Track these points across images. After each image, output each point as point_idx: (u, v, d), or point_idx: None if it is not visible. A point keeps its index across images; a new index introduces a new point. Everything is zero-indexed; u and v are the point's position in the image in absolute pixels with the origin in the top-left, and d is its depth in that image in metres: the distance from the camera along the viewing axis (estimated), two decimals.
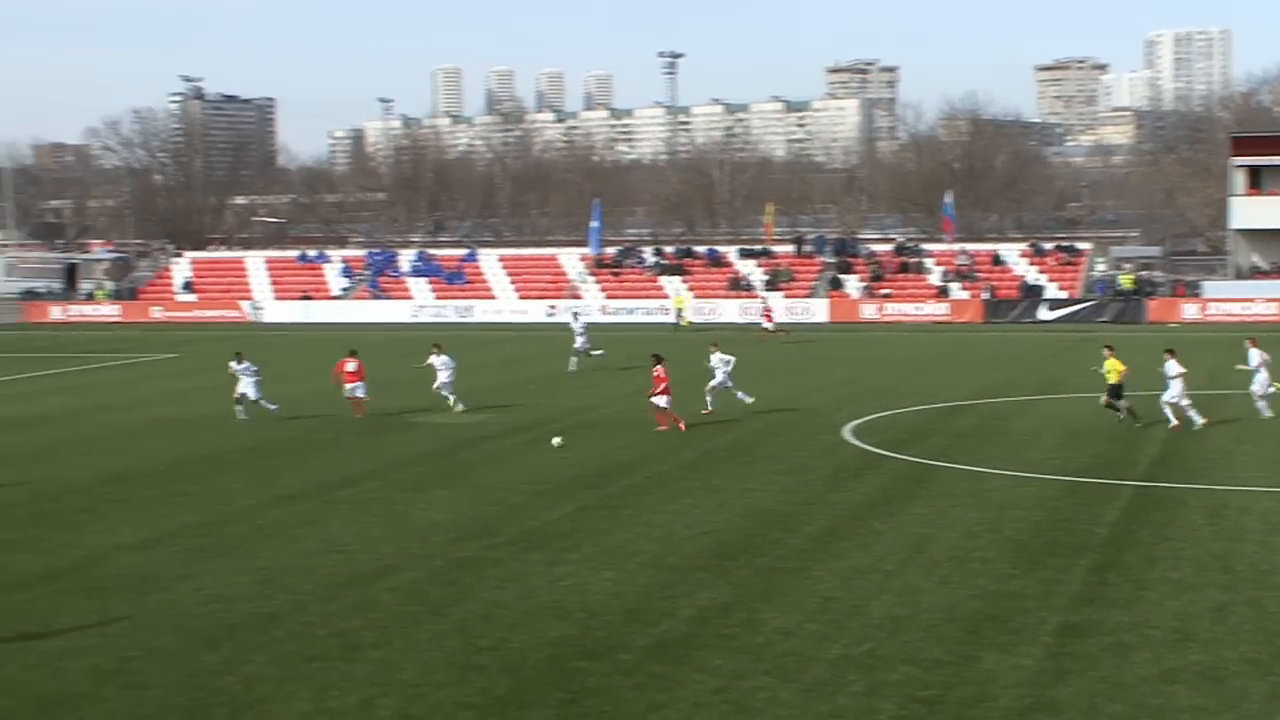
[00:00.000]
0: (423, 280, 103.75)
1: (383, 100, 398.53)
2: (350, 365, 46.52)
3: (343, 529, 29.19)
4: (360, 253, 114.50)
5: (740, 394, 45.71)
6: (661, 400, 42.44)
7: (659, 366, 42.86)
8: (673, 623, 22.02)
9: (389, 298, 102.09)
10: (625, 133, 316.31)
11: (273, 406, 45.97)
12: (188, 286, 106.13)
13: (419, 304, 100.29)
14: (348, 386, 46.40)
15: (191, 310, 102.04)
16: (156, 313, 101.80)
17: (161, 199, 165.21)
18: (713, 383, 45.37)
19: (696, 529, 28.61)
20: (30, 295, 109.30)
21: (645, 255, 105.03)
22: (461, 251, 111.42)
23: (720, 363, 45.71)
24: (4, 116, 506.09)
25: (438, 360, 47.73)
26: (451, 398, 47.34)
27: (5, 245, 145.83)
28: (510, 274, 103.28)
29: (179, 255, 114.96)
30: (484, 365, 62.77)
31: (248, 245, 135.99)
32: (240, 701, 18.84)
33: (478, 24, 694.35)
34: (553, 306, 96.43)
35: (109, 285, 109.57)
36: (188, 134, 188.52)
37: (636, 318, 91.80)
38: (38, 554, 27.41)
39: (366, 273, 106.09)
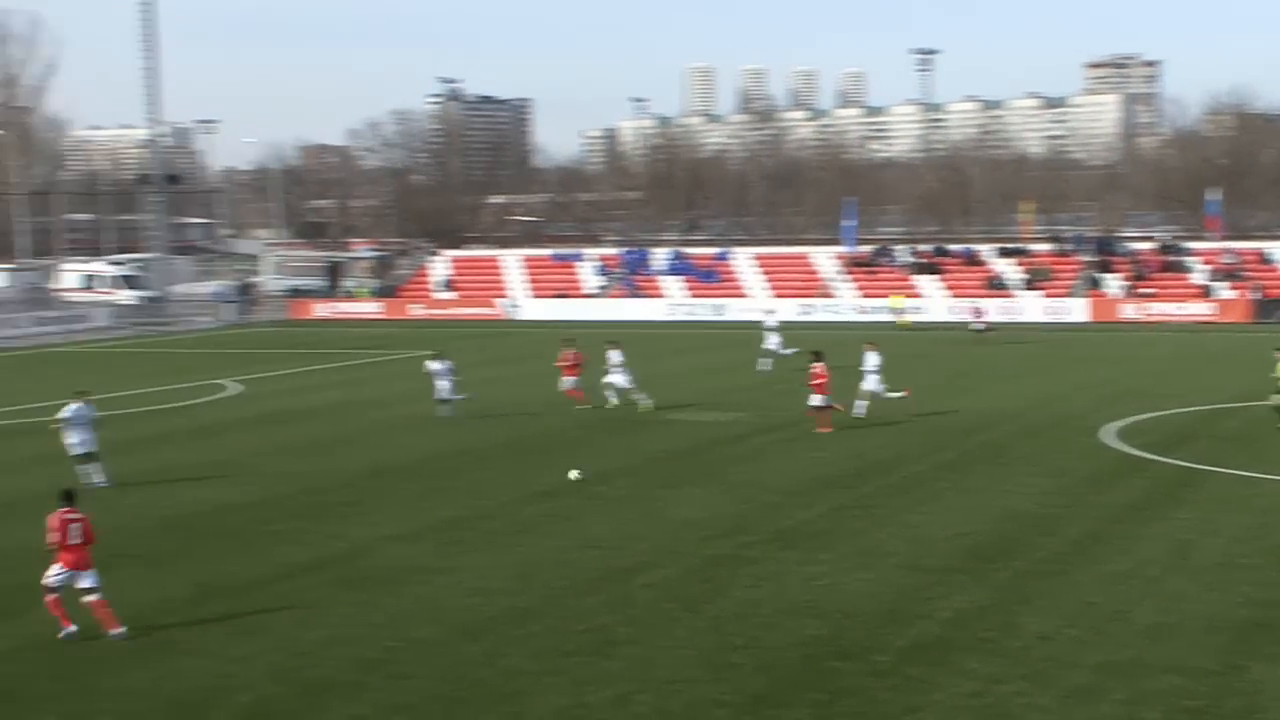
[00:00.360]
0: (676, 278, 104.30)
1: (636, 100, 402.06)
2: (567, 358, 48.02)
3: (598, 525, 29.50)
4: (615, 251, 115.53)
5: (890, 393, 44.66)
6: (817, 399, 42.18)
7: (817, 364, 42.58)
8: (928, 625, 21.82)
9: (643, 296, 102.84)
10: (879, 130, 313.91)
11: (462, 396, 46.54)
12: (446, 284, 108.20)
13: (673, 302, 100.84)
14: (565, 380, 47.85)
15: (449, 308, 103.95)
16: (415, 310, 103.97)
17: (421, 198, 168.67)
18: (866, 386, 44.47)
19: (952, 530, 28.31)
20: (296, 292, 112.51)
21: (899, 254, 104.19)
22: (715, 250, 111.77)
23: (873, 364, 44.59)
24: (272, 119, 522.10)
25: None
26: (614, 395, 47.84)
27: (273, 244, 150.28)
28: (763, 272, 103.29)
29: (437, 254, 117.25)
30: (736, 364, 62.88)
31: (504, 244, 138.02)
32: (499, 693, 19.17)
33: (730, 22, 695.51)
34: (807, 305, 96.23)
35: (370, 283, 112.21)
36: (446, 134, 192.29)
37: (890, 316, 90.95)
38: (304, 545, 28.23)
39: (621, 271, 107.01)
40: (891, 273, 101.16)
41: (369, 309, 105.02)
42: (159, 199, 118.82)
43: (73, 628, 22.00)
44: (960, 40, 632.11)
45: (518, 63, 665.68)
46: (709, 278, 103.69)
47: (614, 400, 47.80)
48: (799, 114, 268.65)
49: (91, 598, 22.20)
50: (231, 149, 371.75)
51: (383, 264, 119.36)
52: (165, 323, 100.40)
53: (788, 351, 60.91)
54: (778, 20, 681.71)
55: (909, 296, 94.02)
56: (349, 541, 28.43)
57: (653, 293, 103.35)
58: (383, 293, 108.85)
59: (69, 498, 22.91)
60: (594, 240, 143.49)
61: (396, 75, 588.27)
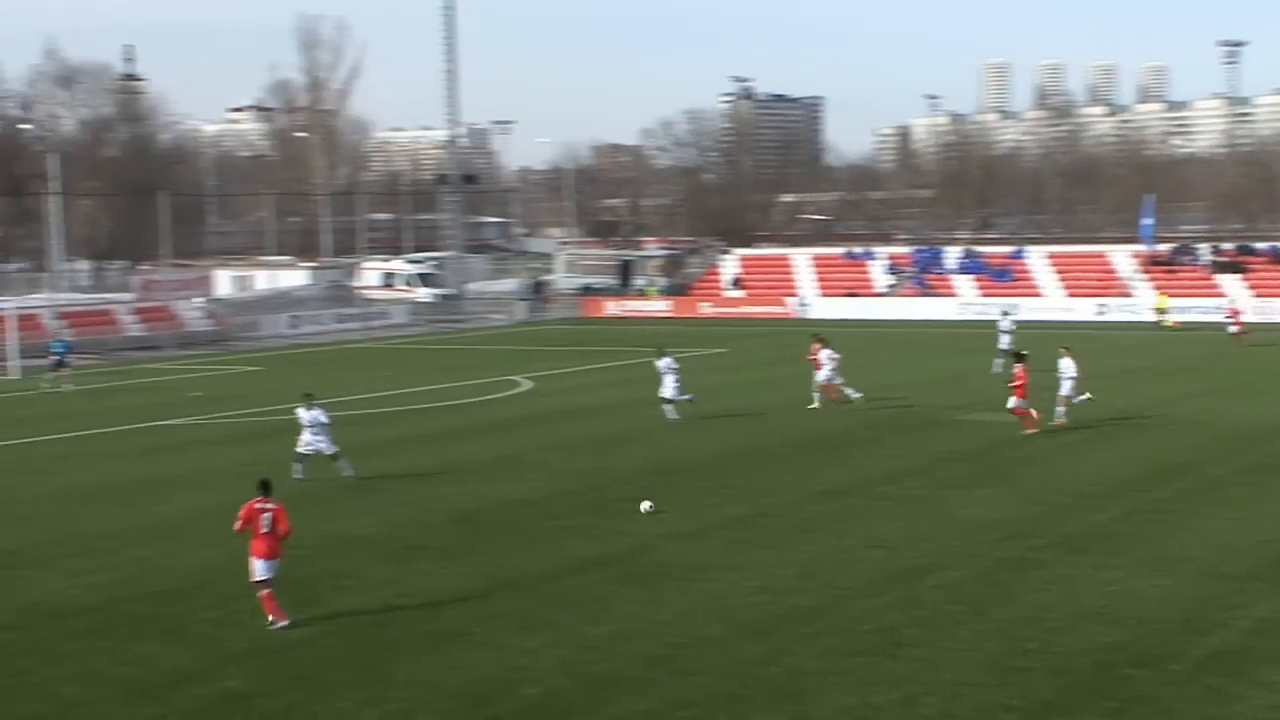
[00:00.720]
0: (968, 277, 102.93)
1: (930, 97, 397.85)
2: (820, 353, 48.13)
3: (885, 525, 29.26)
4: (906, 250, 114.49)
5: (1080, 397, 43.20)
6: (1013, 400, 41.42)
7: (1019, 365, 41.84)
8: (1228, 634, 21.15)
9: (934, 294, 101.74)
10: (1180, 125, 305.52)
11: (686, 397, 46.19)
12: (736, 283, 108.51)
13: (964, 301, 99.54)
14: (819, 375, 47.94)
15: (739, 306, 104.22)
16: (705, 308, 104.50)
17: (712, 197, 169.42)
18: (1061, 391, 43.02)
19: (1255, 537, 27.38)
20: (588, 290, 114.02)
21: (1201, 252, 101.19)
22: (1008, 248, 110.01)
23: (1068, 367, 43.23)
24: (566, 119, 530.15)
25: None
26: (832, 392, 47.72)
27: (565, 243, 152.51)
28: (1058, 271, 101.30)
29: (728, 252, 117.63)
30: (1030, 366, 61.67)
31: (794, 242, 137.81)
32: (783, 692, 19.13)
33: (1027, 18, 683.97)
34: (1103, 305, 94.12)
35: (661, 281, 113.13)
36: (737, 133, 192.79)
37: (1191, 316, 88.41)
38: (591, 540, 28.56)
39: (912, 269, 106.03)
40: (1193, 272, 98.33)
41: (659, 307, 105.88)
42: (456, 199, 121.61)
43: (285, 620, 22.63)
44: (1269, 32, 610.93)
45: (810, 61, 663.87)
46: (1002, 276, 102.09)
47: (818, 401, 47.40)
48: (1097, 109, 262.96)
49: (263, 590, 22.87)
50: (526, 149, 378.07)
51: (673, 262, 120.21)
52: (460, 320, 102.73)
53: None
54: (1077, 15, 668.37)
55: (1170, 296, 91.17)
56: (634, 538, 28.68)
57: (944, 291, 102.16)
58: (672, 291, 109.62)
59: (265, 488, 23.50)
60: (885, 239, 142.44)
61: (689, 75, 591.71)
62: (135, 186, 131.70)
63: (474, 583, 25.24)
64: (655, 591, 24.34)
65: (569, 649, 21.20)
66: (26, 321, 77.82)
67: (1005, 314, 64.12)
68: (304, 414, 35.98)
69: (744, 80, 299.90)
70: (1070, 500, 31.40)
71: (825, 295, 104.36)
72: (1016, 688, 19.02)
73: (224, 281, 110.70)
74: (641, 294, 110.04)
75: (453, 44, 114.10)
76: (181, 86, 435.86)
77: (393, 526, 30.28)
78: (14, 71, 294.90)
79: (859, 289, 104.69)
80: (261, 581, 22.86)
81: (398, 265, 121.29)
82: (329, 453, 35.66)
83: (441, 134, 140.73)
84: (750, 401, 49.68)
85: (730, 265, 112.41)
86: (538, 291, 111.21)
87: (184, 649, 21.71)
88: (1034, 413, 41.59)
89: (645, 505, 30.03)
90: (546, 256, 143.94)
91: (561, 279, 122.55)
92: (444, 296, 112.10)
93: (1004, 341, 59.84)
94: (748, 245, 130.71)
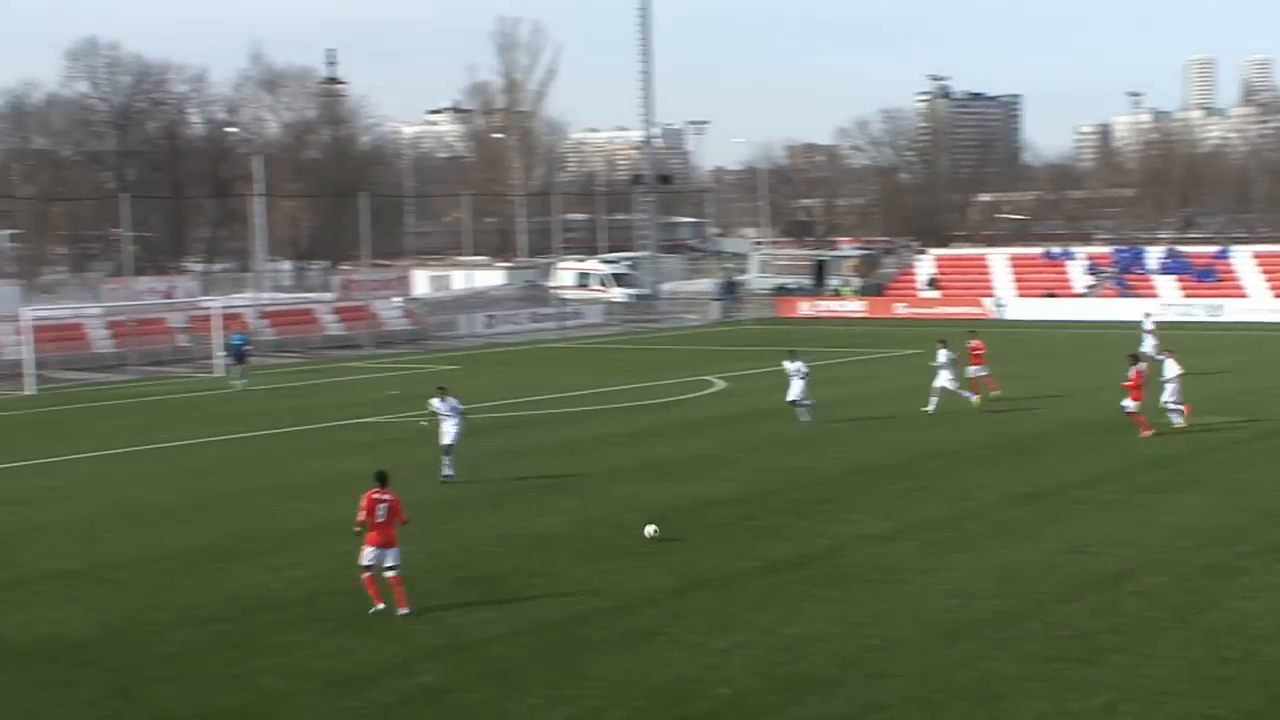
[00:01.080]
0: (1171, 278, 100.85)
1: (1132, 94, 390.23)
2: (976, 348, 49.26)
3: (1084, 529, 28.79)
4: (1106, 250, 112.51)
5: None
6: (1130, 404, 40.68)
7: (1135, 368, 41.14)
8: None
9: (1134, 295, 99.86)
10: None
11: (808, 403, 45.61)
12: (931, 283, 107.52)
13: (1166, 302, 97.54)
14: (970, 369, 48.60)
15: (934, 307, 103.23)
16: (900, 309, 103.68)
17: (907, 197, 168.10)
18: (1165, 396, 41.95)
19: None
20: (782, 290, 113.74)
21: None
22: (1213, 248, 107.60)
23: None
24: (760, 119, 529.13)
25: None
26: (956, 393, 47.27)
27: (760, 243, 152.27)
28: (1264, 271, 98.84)
29: (923, 252, 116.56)
30: (1234, 367, 60.41)
31: (991, 242, 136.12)
32: (978, 697, 18.92)
33: (1234, 11, 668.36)
34: None
35: (855, 282, 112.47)
36: (934, 132, 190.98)
37: None
38: (786, 541, 28.50)
39: (1112, 270, 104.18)
40: None
41: (853, 307, 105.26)
42: (650, 199, 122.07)
43: (381, 605, 23.30)
44: None
45: (1008, 59, 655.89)
46: (1206, 277, 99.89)
47: (933, 405, 46.85)
48: None
49: (391, 574, 23.47)
50: (721, 148, 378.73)
51: (868, 262, 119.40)
52: (654, 320, 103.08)
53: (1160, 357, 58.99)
54: None
55: None
56: (830, 538, 28.56)
57: (1145, 292, 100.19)
58: (867, 291, 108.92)
59: (382, 479, 23.91)
60: (1084, 238, 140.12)
61: (886, 73, 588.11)
62: (336, 188, 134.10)
63: (667, 581, 25.32)
64: (849, 593, 24.21)
65: (761, 649, 21.18)
66: (232, 321, 79.66)
67: (1147, 315, 63.17)
68: (439, 405, 36.43)
69: (941, 79, 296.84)
70: (1276, 507, 30.62)
71: (1022, 296, 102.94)
72: (1220, 697, 18.60)
73: (422, 281, 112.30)
74: (836, 294, 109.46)
75: (648, 44, 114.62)
76: (381, 90, 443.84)
77: (585, 525, 30.48)
78: (221, 76, 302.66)
79: (1057, 289, 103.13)
80: (367, 567, 23.50)
81: (592, 265, 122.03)
82: (446, 443, 35.94)
83: (636, 134, 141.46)
84: (944, 402, 49.15)
85: (926, 265, 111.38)
86: (731, 292, 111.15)
87: (380, 643, 22.07)
88: (1143, 422, 40.69)
89: (649, 529, 29.00)
90: (740, 257, 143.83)
91: (755, 279, 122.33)
92: (638, 296, 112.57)
93: (1146, 345, 58.92)
94: (943, 245, 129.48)
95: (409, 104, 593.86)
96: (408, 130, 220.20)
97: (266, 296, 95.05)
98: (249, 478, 37.87)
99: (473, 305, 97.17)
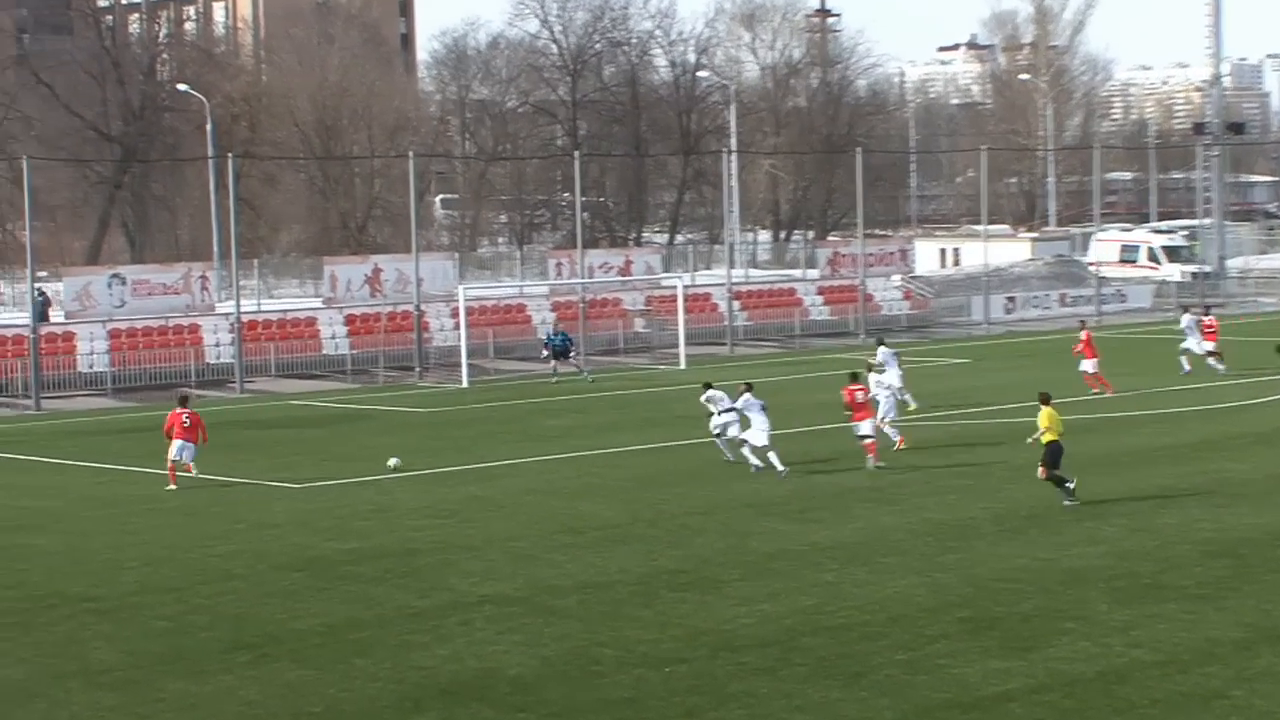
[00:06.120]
0: None
1: None
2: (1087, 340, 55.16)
3: None
4: None
5: None
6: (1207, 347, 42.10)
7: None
8: None
9: None
10: None
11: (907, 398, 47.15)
12: None
13: None
14: (1085, 363, 54.73)
15: None
16: None
17: None
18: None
19: None
20: None
21: None
22: None
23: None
24: None
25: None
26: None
27: None
28: None
29: None
30: None
31: None
32: None
33: None
34: None
35: None
36: None
37: None
38: None
39: None
40: None
41: None
42: (1216, 153, 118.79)
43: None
44: None
45: None
46: None
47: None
48: None
49: (868, 441, 39.07)
50: None
51: None
52: (1218, 303, 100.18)
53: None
54: None
55: None
56: None
57: None
58: None
59: (854, 378, 39.80)
60: None
61: None
62: (826, 143, 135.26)
63: (1230, 632, 24.59)
64: None
65: None
66: (698, 303, 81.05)
67: (1186, 312, 63.87)
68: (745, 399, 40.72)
69: None
70: None
71: None
72: None
73: (927, 255, 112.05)
74: None
75: None
76: (882, 23, 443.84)
77: (1127, 559, 29.83)
78: (691, 10, 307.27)
79: None
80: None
81: (1140, 236, 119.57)
82: (730, 436, 41.32)
83: (1200, 73, 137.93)
84: None
85: None
86: None
87: (870, 695, 22.02)
88: None
89: (392, 461, 29.37)
90: None
91: None
92: (1198, 274, 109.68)
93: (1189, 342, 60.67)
94: None
95: (915, 40, 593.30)
96: (913, 72, 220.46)
97: (740, 274, 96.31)
98: (711, 491, 38.34)
99: (989, 285, 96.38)
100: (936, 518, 33.65)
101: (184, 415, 41.15)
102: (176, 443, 40.90)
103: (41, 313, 67.25)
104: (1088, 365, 55.10)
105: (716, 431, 41.75)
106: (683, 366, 68.40)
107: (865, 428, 40.63)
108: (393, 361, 69.84)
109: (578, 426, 51.00)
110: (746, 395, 40.51)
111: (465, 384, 64.46)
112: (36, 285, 66.58)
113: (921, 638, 24.29)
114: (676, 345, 71.27)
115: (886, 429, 43.13)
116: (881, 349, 50.16)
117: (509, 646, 24.99)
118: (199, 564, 31.74)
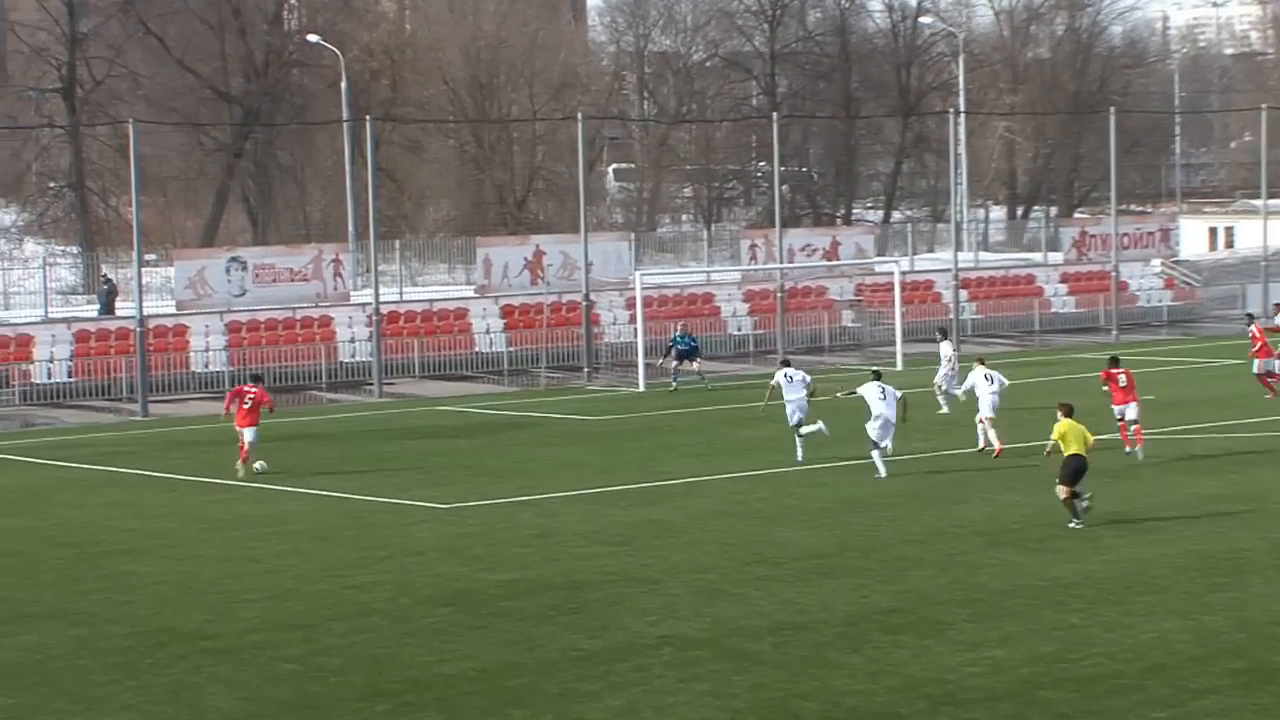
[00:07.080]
0: None
1: None
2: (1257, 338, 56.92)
3: None
4: None
5: None
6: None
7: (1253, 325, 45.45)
8: None
9: None
10: None
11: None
12: None
13: None
14: (1259, 362, 56.38)
15: None
16: None
17: None
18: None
19: None
20: None
21: None
22: None
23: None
24: None
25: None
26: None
27: None
28: None
29: None
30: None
31: None
32: None
33: None
34: None
35: None
36: None
37: None
38: None
39: None
40: None
41: None
42: None
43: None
44: None
45: None
46: None
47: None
48: None
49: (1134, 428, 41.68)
50: None
51: None
52: None
53: None
54: None
55: None
56: None
57: None
58: None
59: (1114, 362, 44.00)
60: None
61: None
62: (1072, 102, 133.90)
63: None
64: None
65: None
66: (918, 292, 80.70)
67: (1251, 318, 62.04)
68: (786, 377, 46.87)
69: None
70: None
71: None
72: None
73: (1194, 236, 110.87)
74: None
75: None
76: None
77: None
78: None
79: None
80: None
81: None
82: (795, 421, 46.15)
83: None
84: None
85: None
86: None
87: None
88: None
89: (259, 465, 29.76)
90: None
91: None
92: None
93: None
94: None
95: None
96: (1179, 16, 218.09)
97: (968, 258, 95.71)
98: (933, 515, 38.18)
99: (1269, 271, 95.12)
100: (1203, 549, 33.30)
101: (251, 392, 43.52)
102: (248, 431, 44.47)
103: (108, 304, 67.69)
104: (1262, 364, 56.50)
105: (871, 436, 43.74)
106: (899, 368, 67.55)
107: (1130, 412, 43.61)
108: (556, 360, 70.14)
109: (774, 438, 50.60)
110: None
111: (642, 387, 64.53)
112: (102, 274, 67.01)
113: (1185, 692, 24.06)
114: (892, 343, 70.83)
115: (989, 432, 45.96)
116: (945, 343, 56.50)
117: (692, 697, 24.97)
118: (330, 597, 32.03)
